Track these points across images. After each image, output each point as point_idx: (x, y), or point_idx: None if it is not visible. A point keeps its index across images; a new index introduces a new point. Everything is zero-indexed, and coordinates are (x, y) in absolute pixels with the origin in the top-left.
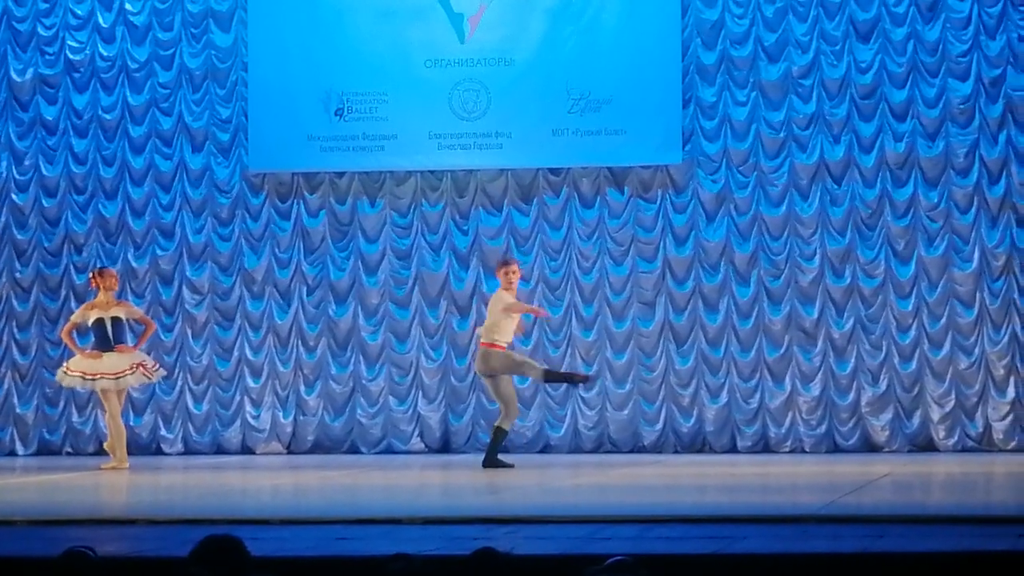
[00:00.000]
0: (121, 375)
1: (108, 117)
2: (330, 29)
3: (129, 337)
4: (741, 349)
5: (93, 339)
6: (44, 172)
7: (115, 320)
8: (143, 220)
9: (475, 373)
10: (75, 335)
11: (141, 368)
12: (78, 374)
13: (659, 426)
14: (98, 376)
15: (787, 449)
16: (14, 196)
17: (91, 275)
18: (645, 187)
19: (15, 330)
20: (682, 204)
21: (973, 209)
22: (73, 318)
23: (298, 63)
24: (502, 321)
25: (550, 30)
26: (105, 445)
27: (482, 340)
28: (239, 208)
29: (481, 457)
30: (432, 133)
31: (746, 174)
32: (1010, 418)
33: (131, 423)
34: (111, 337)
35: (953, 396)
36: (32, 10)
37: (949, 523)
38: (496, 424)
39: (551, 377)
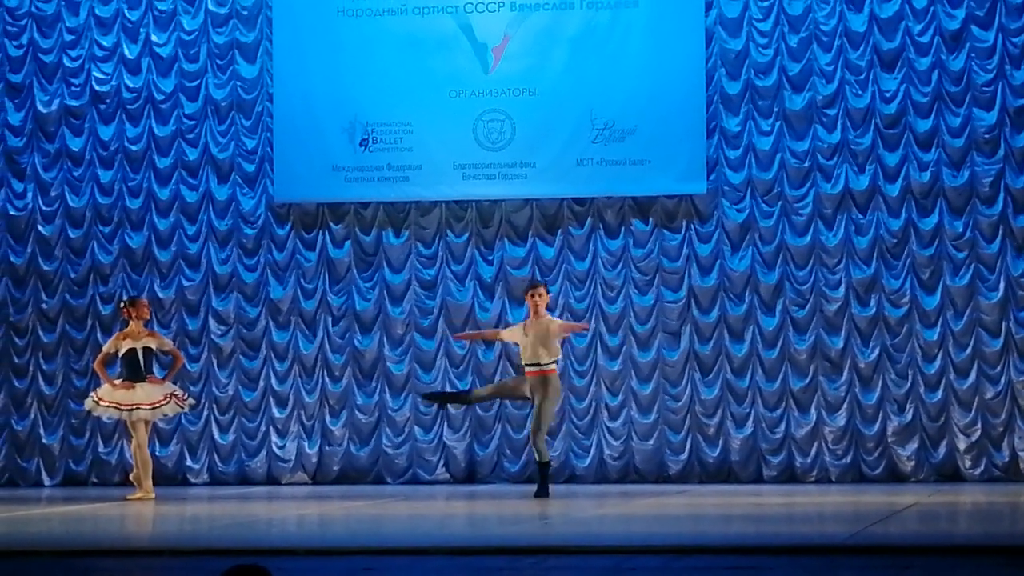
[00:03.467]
0: (157, 405)
1: (134, 148)
2: (355, 60)
3: (156, 368)
4: (766, 379)
5: (123, 369)
6: (70, 203)
7: (146, 350)
8: (169, 251)
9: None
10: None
11: (174, 398)
12: (112, 404)
13: (684, 456)
14: (133, 406)
15: (813, 479)
16: (40, 227)
17: (122, 305)
18: (670, 217)
19: (41, 361)
20: (707, 234)
21: (998, 238)
22: (106, 348)
23: (323, 94)
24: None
25: (574, 60)
26: (131, 476)
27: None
28: (264, 239)
29: (507, 487)
30: (457, 163)
31: (771, 203)
32: None
33: (157, 453)
34: (142, 367)
35: (979, 426)
36: (58, 42)
37: (976, 553)
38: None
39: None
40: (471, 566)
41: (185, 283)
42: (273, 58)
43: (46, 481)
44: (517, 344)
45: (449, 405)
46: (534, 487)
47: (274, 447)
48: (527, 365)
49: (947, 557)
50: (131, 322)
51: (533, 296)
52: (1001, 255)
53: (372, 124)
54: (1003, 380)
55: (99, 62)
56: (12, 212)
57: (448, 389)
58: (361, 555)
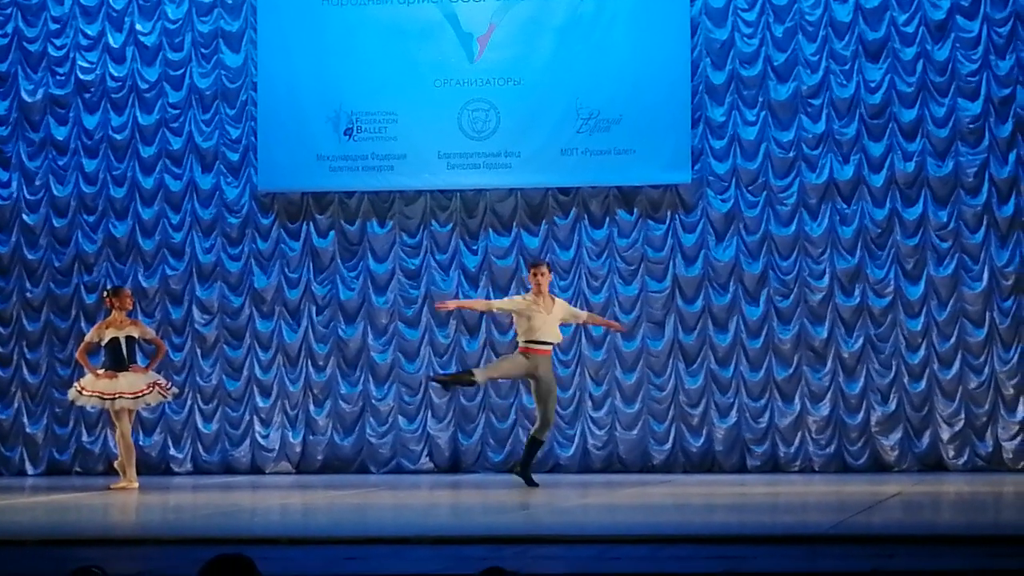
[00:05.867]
0: (140, 395)
1: (118, 137)
2: (339, 49)
3: (139, 357)
4: (750, 368)
5: (106, 358)
6: (55, 192)
7: (129, 340)
8: (153, 240)
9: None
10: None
11: (157, 387)
12: (95, 394)
13: (668, 445)
14: (116, 395)
15: (796, 469)
16: (24, 216)
17: (105, 294)
18: (654, 206)
19: (25, 350)
20: (691, 223)
21: (983, 228)
22: (88, 337)
23: (307, 83)
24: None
25: (559, 50)
26: (115, 464)
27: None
28: (249, 228)
29: (491, 477)
30: (441, 153)
31: (755, 193)
32: (1020, 438)
33: (140, 442)
34: (126, 356)
35: (963, 416)
36: (43, 31)
37: (959, 543)
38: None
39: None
40: (455, 555)
41: (169, 272)
42: (258, 47)
43: (29, 470)
44: (513, 315)
45: (458, 388)
46: (518, 476)
47: (258, 436)
48: (542, 343)
49: (930, 547)
50: (114, 311)
51: (536, 275)
52: (985, 245)
53: (357, 113)
54: (987, 370)
55: (84, 51)
56: None
57: (452, 371)
58: (344, 544)
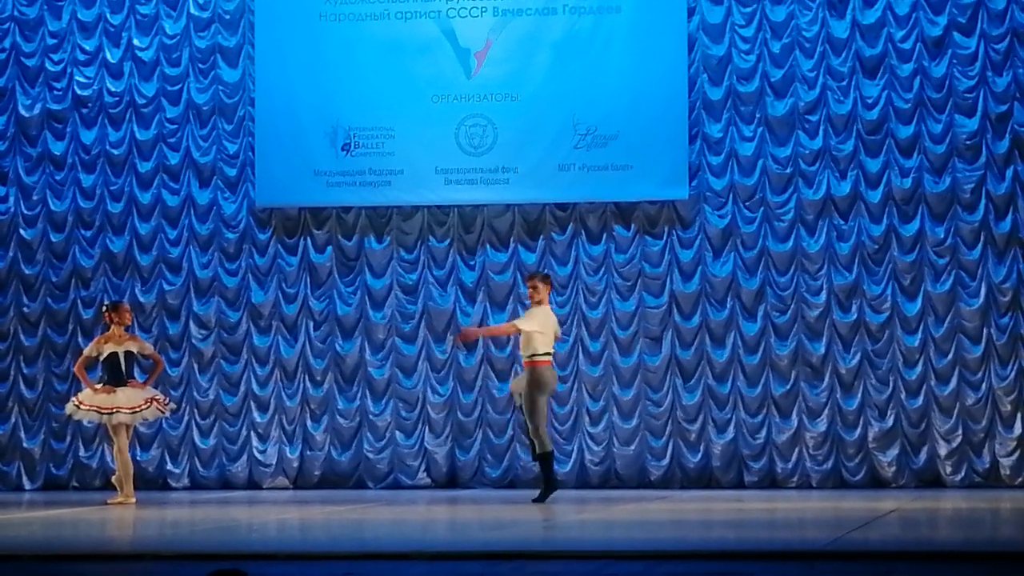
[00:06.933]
0: (137, 409)
1: (116, 152)
2: (337, 64)
3: (137, 372)
4: (748, 384)
5: (103, 373)
6: (52, 207)
7: (127, 355)
8: (150, 255)
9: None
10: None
11: (155, 402)
12: (93, 408)
13: (666, 461)
14: (114, 410)
15: (794, 484)
16: (22, 231)
17: (104, 309)
18: (652, 222)
19: (22, 364)
20: (689, 239)
21: (980, 245)
22: (87, 352)
23: (305, 98)
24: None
25: (556, 65)
26: (112, 479)
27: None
28: (246, 243)
29: (489, 492)
30: (439, 168)
31: (753, 209)
32: (1017, 454)
33: (138, 457)
34: (124, 372)
35: (960, 432)
36: (40, 45)
37: (956, 559)
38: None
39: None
40: (452, 571)
41: (166, 287)
42: (255, 62)
43: (27, 485)
44: (541, 333)
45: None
46: (516, 492)
47: (255, 452)
48: (549, 354)
49: (927, 563)
50: (112, 326)
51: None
52: (982, 261)
53: (354, 128)
54: (984, 386)
55: (81, 66)
56: None
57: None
58: (342, 560)
